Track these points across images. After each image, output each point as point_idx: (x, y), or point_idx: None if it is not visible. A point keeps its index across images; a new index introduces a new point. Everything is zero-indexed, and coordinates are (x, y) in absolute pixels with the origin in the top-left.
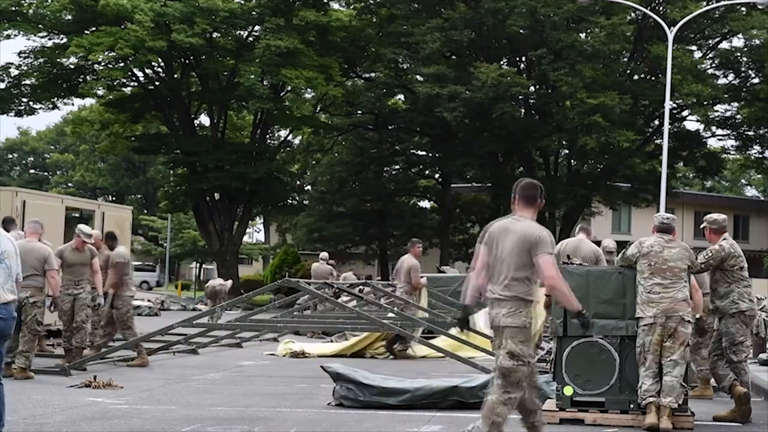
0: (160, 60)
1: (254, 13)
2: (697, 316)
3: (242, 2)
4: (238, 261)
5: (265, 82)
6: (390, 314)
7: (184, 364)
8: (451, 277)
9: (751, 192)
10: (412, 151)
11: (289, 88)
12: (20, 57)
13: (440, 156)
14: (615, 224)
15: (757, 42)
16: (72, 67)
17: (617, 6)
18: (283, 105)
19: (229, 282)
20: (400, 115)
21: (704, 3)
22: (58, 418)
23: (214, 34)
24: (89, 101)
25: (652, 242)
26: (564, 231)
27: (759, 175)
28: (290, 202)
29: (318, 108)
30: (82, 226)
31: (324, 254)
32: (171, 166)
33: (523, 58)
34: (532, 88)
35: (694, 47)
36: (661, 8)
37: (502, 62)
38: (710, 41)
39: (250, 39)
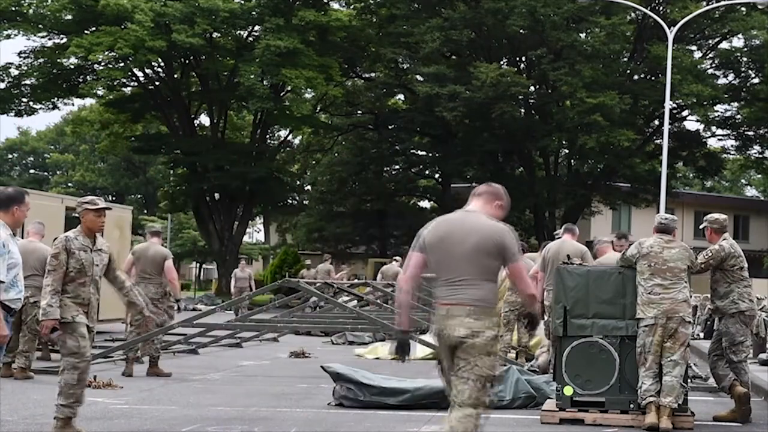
0: (160, 60)
1: (254, 13)
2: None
3: (242, 2)
4: (238, 261)
5: (265, 82)
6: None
7: (184, 364)
8: None
9: (751, 192)
10: (412, 151)
11: (289, 88)
12: (20, 57)
13: (440, 156)
14: (615, 224)
15: (757, 42)
16: (72, 67)
17: (617, 6)
18: (283, 105)
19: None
20: (400, 115)
21: (704, 3)
22: None
23: (214, 34)
24: (89, 101)
25: (651, 243)
26: None
27: (759, 175)
28: (290, 202)
29: (318, 108)
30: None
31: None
32: (171, 166)
33: (523, 58)
34: (532, 88)
35: (694, 47)
36: (661, 8)
37: (502, 62)
38: (710, 41)
39: (250, 39)
